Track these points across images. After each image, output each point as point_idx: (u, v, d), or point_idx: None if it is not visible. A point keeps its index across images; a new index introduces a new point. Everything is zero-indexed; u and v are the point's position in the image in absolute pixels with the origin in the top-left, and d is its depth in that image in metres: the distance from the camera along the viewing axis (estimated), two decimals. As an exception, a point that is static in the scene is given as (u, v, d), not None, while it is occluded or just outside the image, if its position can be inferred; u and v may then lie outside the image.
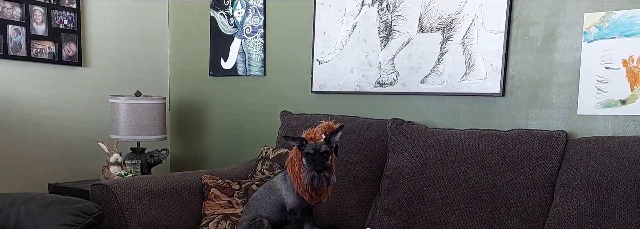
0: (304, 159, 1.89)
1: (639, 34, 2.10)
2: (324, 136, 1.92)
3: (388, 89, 2.71)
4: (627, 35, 2.13)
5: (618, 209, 1.84)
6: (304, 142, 1.90)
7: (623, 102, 2.15)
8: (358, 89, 2.81)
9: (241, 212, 2.32)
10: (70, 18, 3.09)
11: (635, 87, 2.12)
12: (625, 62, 2.13)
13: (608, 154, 1.97)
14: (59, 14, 3.04)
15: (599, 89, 2.19)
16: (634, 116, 2.13)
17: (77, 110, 3.19)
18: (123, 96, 3.00)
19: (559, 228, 1.94)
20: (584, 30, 2.22)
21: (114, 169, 2.89)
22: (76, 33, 3.12)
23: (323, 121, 2.00)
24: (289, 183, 1.98)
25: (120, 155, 2.94)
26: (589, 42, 2.20)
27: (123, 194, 2.24)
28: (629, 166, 1.89)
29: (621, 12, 2.14)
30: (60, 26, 3.05)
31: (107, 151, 2.91)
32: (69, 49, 3.10)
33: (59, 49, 3.05)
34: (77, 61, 3.14)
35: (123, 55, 3.38)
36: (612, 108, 2.17)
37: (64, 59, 3.08)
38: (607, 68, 2.17)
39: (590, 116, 2.22)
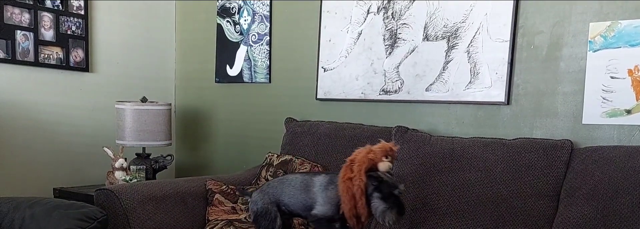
0: (376, 193, 1.86)
1: (645, 44, 2.11)
2: (385, 160, 1.87)
3: (393, 96, 2.71)
4: (632, 45, 2.13)
5: (623, 219, 1.83)
6: (380, 180, 1.85)
7: (628, 111, 2.14)
8: (363, 97, 2.81)
9: (245, 217, 2.32)
10: (78, 24, 3.11)
11: (640, 97, 2.12)
12: (630, 72, 2.13)
13: (613, 163, 1.97)
14: (67, 20, 3.06)
15: (604, 98, 2.19)
16: (639, 125, 2.13)
17: (83, 115, 3.20)
18: (129, 102, 3.02)
19: (564, 237, 1.94)
20: (589, 39, 2.22)
21: (119, 175, 2.90)
22: (84, 39, 3.14)
23: (382, 141, 1.93)
24: (329, 194, 1.97)
25: (126, 160, 2.95)
26: (594, 51, 2.21)
27: (127, 199, 2.24)
28: (634, 175, 1.89)
29: (626, 22, 2.14)
30: (68, 32, 3.07)
31: (113, 157, 2.92)
32: (77, 54, 3.12)
33: (67, 54, 3.07)
34: (84, 66, 3.16)
35: (130, 62, 3.40)
36: (618, 118, 2.16)
37: (71, 65, 3.10)
38: (612, 77, 2.17)
39: (595, 125, 2.22)
